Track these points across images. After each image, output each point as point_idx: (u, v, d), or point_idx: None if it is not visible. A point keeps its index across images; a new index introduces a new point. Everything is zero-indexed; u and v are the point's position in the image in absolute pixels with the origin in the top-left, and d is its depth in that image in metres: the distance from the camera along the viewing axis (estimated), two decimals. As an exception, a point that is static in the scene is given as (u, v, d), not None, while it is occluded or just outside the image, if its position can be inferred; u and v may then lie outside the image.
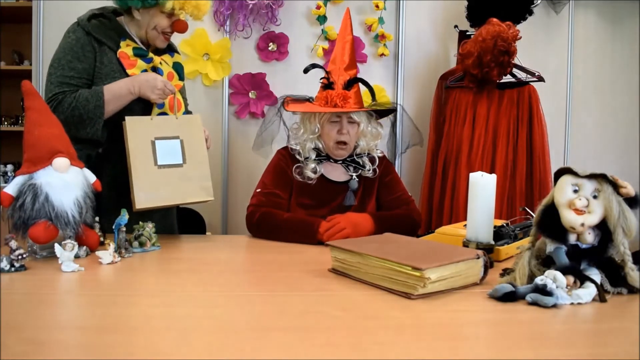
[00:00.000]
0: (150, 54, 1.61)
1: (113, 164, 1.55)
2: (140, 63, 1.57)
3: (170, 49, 1.73)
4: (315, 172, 1.66)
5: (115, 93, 1.50)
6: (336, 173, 1.70)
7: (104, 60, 1.55)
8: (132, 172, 1.44)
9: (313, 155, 1.68)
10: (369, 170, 1.69)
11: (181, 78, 1.71)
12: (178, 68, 1.70)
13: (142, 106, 1.57)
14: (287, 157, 1.71)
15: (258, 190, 1.67)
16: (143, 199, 1.44)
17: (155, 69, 1.61)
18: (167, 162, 1.50)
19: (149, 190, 1.45)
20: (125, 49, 1.57)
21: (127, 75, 1.55)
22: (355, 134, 1.66)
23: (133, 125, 1.47)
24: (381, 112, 1.75)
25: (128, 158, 1.46)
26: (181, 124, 1.56)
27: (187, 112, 1.74)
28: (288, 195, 1.67)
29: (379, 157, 1.74)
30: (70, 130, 1.47)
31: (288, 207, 1.67)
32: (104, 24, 1.58)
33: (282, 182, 1.67)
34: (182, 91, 1.76)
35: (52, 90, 1.50)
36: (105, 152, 1.56)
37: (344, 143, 1.65)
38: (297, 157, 1.69)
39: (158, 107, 1.59)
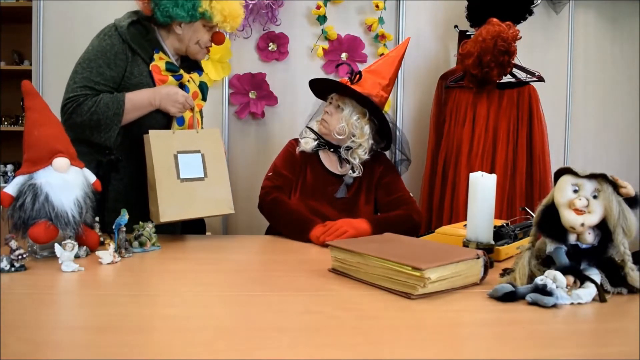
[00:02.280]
0: (181, 71, 1.61)
1: (122, 175, 1.55)
2: (171, 80, 1.58)
3: (199, 67, 1.74)
4: (309, 143, 1.80)
5: (136, 104, 1.50)
6: (332, 165, 1.81)
7: (134, 71, 1.54)
8: (157, 186, 1.44)
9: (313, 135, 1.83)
10: (358, 173, 1.77)
11: (204, 98, 1.72)
12: (203, 87, 1.71)
13: (162, 115, 1.57)
14: (295, 146, 1.85)
15: (270, 173, 1.80)
16: (167, 212, 1.44)
17: (182, 86, 1.61)
18: (189, 175, 1.50)
19: (173, 203, 1.46)
20: (159, 62, 1.57)
21: None
22: (337, 118, 1.74)
23: (156, 139, 1.48)
24: (381, 125, 1.78)
25: (151, 172, 1.46)
26: (201, 138, 1.57)
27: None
28: (295, 176, 1.79)
29: (379, 159, 1.82)
30: (84, 133, 1.49)
31: (294, 187, 1.77)
32: (141, 33, 1.56)
33: (290, 165, 1.80)
34: (201, 110, 1.76)
35: (74, 90, 1.48)
36: (115, 162, 1.54)
37: (324, 120, 1.78)
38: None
39: (178, 124, 1.59)
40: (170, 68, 1.58)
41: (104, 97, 1.48)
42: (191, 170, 1.51)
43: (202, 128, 1.71)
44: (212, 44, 1.66)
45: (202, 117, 1.76)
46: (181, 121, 1.60)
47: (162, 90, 1.53)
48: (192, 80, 1.65)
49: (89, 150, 1.48)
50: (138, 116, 1.53)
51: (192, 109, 1.60)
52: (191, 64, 1.71)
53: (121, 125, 1.50)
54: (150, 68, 1.55)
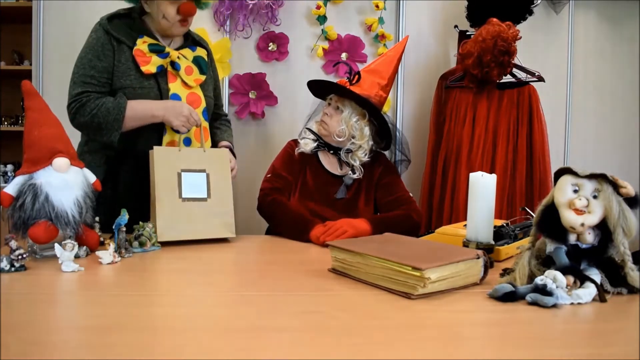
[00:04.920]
0: (168, 49, 1.60)
1: (129, 170, 1.57)
2: (156, 59, 1.57)
3: (192, 43, 1.72)
4: (308, 144, 1.79)
5: (137, 113, 1.52)
6: (332, 166, 1.80)
7: (121, 59, 1.56)
8: (157, 204, 1.41)
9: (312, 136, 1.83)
10: (358, 175, 1.76)
11: (203, 72, 1.69)
12: (199, 61, 1.68)
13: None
14: (294, 147, 1.84)
15: (269, 175, 1.79)
16: (166, 232, 1.41)
17: (173, 63, 1.61)
18: (192, 195, 1.47)
19: (172, 223, 1.42)
20: (141, 46, 1.57)
21: (143, 73, 1.56)
22: (336, 119, 1.74)
23: (160, 155, 1.45)
24: (380, 126, 1.77)
25: (153, 189, 1.44)
26: (208, 157, 1.53)
27: (217, 105, 1.82)
28: (294, 178, 1.78)
29: (378, 159, 1.82)
30: (88, 133, 1.57)
31: (293, 189, 1.77)
32: (125, 23, 1.59)
33: (289, 166, 1.79)
34: (209, 83, 1.75)
35: (75, 89, 1.53)
36: (123, 156, 1.56)
37: (324, 122, 1.78)
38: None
39: (185, 144, 1.59)
40: (154, 49, 1.58)
41: (106, 101, 1.50)
42: (194, 190, 1.47)
43: (222, 100, 1.73)
44: (183, 16, 1.58)
45: (218, 93, 1.79)
46: (188, 142, 1.62)
47: (168, 104, 1.55)
48: (182, 56, 1.64)
49: (100, 147, 1.54)
50: (139, 125, 1.54)
51: (197, 125, 1.58)
52: (193, 43, 1.71)
53: (122, 130, 1.52)
54: (133, 52, 1.56)
